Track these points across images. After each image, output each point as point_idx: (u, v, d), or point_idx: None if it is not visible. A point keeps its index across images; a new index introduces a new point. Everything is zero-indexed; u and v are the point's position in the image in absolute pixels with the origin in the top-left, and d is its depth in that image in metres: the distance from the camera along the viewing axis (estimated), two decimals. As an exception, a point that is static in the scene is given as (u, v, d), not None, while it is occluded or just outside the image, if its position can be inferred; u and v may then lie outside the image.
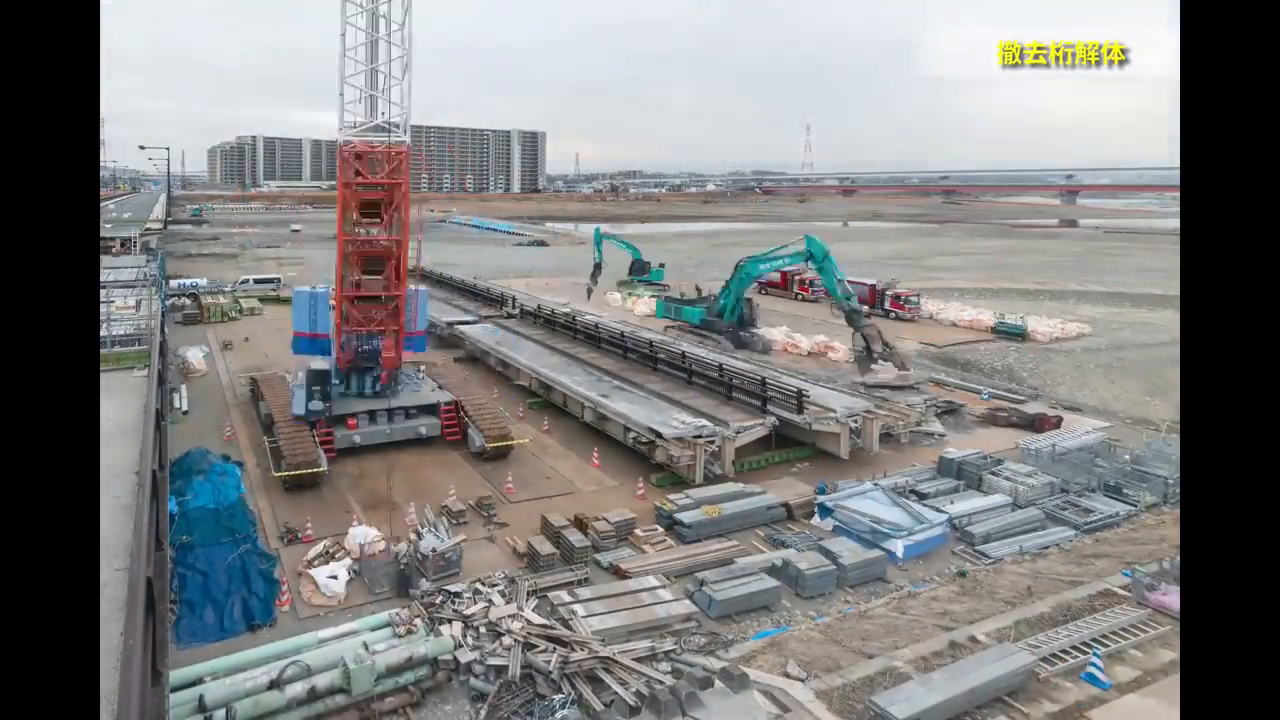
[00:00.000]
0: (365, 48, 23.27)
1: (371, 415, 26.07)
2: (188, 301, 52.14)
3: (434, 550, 17.71)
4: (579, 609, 16.02)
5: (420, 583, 17.11)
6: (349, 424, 25.56)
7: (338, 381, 26.32)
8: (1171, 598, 16.29)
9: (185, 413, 30.11)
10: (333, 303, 26.58)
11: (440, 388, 28.52)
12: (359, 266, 25.20)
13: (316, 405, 24.77)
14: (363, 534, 18.72)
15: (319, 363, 25.73)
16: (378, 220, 24.57)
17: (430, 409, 27.04)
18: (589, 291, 57.09)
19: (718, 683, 13.87)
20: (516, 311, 46.31)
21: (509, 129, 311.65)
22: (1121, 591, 17.37)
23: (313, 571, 17.38)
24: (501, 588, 16.80)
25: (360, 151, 23.70)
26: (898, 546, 19.42)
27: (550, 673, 13.99)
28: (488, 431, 25.61)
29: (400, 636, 14.52)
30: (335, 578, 17.07)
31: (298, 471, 22.59)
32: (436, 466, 24.99)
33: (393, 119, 23.51)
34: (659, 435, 24.15)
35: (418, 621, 15.14)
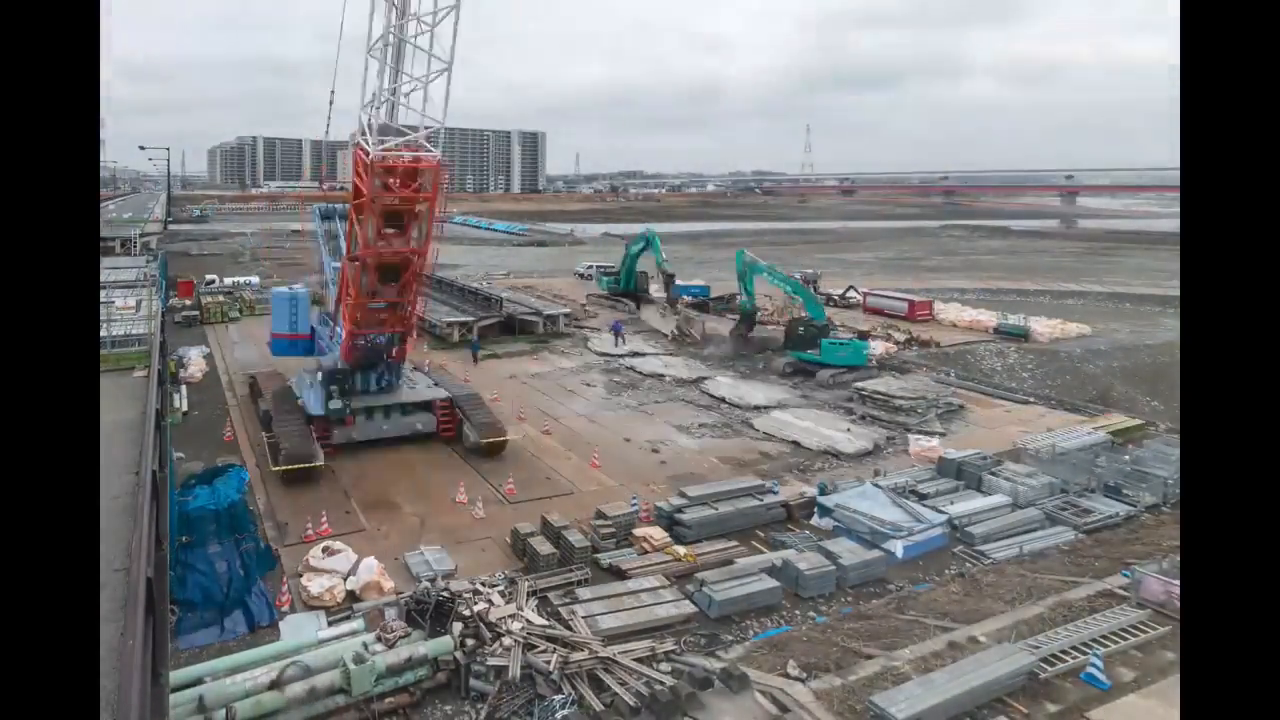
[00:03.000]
0: (390, 48, 21.41)
1: (369, 412, 26.27)
2: (187, 302, 51.95)
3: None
4: (579, 609, 16.03)
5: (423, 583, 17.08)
6: (346, 421, 25.65)
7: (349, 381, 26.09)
8: (1158, 590, 16.46)
9: (185, 413, 30.08)
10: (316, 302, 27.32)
11: (437, 385, 28.75)
12: (376, 273, 24.02)
13: (336, 405, 25.05)
14: (368, 567, 17.77)
15: (330, 361, 26.02)
16: (399, 230, 23.40)
17: (426, 405, 27.21)
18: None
19: (718, 683, 13.89)
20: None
21: (509, 129, 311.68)
22: (1121, 591, 17.38)
23: (308, 583, 17.21)
24: (501, 588, 16.80)
25: (392, 166, 22.05)
26: (897, 547, 19.42)
27: (550, 673, 13.99)
28: (482, 428, 25.86)
29: (390, 646, 14.30)
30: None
31: (294, 465, 22.95)
32: (435, 467, 25.00)
33: (426, 126, 22.08)
34: None
35: (403, 625, 15.06)
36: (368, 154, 21.77)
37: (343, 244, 27.01)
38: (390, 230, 23.31)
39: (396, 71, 21.69)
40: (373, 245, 23.07)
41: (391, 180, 22.27)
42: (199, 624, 15.94)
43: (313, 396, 25.98)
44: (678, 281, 55.83)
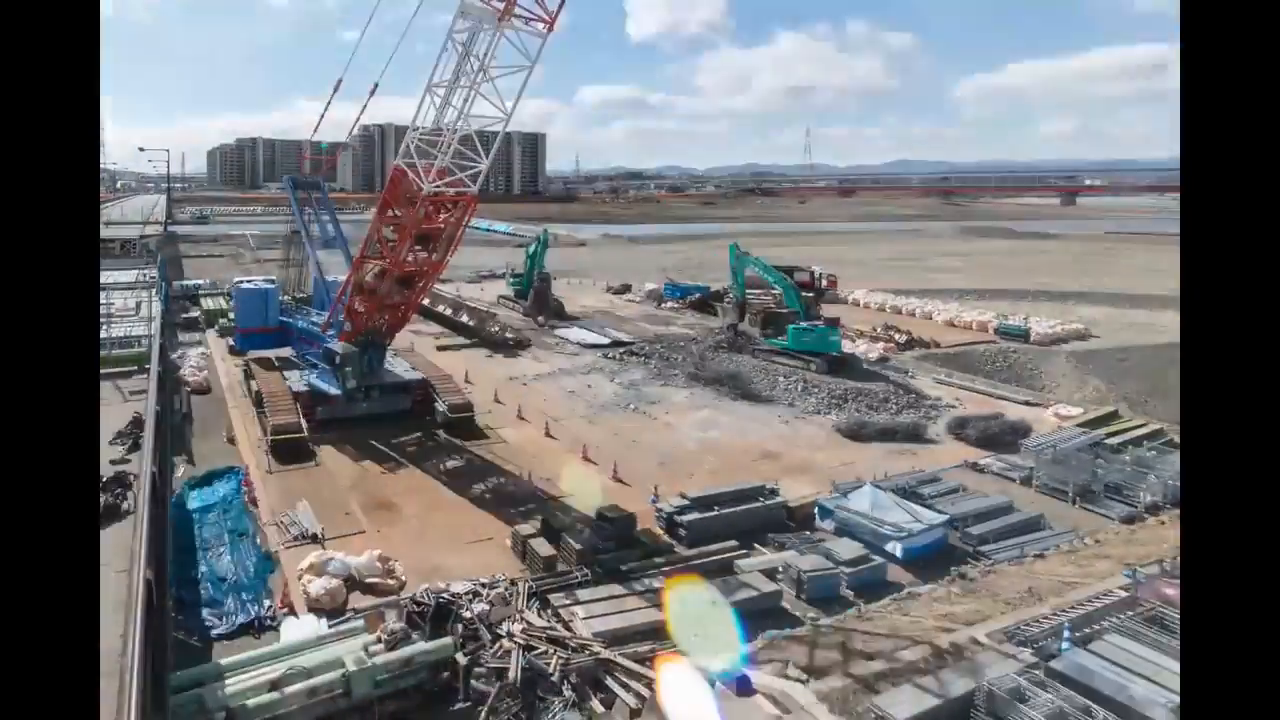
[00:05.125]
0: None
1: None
2: (186, 303, 51.27)
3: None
4: (580, 611, 16.01)
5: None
6: (329, 400, 28.12)
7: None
8: (1158, 590, 16.45)
9: (185, 414, 30.02)
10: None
11: (413, 369, 31.87)
12: (394, 279, 26.91)
13: (352, 384, 27.46)
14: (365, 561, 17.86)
15: (338, 346, 27.94)
16: (425, 248, 26.55)
17: (404, 386, 30.09)
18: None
19: (718, 684, 13.87)
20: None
21: (509, 130, 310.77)
22: (1121, 591, 17.35)
23: (305, 584, 17.17)
24: (502, 589, 16.78)
25: (440, 200, 24.88)
26: (897, 548, 19.40)
27: (551, 675, 13.97)
28: (450, 402, 28.98)
29: (390, 648, 14.21)
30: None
31: (283, 436, 25.27)
32: (435, 464, 25.01)
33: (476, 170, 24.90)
34: None
35: (404, 627, 15.01)
36: (418, 185, 24.05)
37: (343, 241, 31.77)
38: (418, 248, 26.33)
39: (460, 113, 23.63)
40: (402, 260, 25.84)
41: (432, 209, 25.14)
42: (199, 624, 15.93)
43: (325, 378, 28.22)
44: (677, 281, 58.04)
